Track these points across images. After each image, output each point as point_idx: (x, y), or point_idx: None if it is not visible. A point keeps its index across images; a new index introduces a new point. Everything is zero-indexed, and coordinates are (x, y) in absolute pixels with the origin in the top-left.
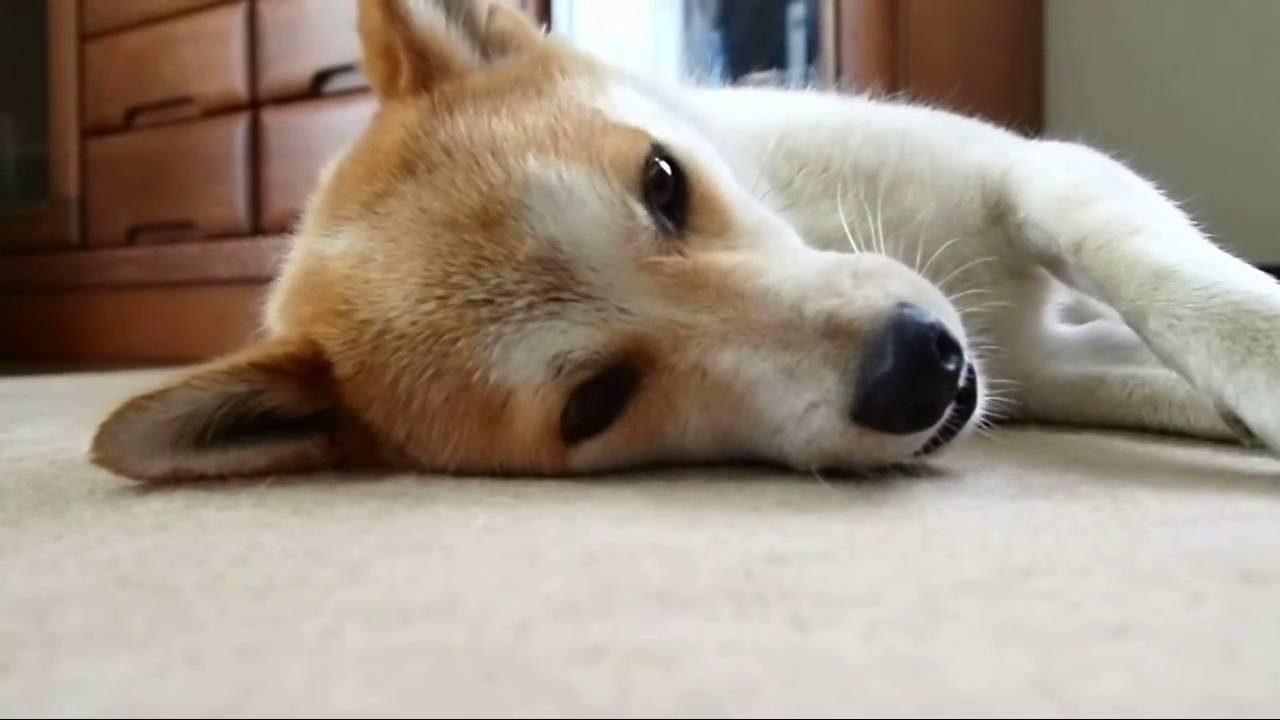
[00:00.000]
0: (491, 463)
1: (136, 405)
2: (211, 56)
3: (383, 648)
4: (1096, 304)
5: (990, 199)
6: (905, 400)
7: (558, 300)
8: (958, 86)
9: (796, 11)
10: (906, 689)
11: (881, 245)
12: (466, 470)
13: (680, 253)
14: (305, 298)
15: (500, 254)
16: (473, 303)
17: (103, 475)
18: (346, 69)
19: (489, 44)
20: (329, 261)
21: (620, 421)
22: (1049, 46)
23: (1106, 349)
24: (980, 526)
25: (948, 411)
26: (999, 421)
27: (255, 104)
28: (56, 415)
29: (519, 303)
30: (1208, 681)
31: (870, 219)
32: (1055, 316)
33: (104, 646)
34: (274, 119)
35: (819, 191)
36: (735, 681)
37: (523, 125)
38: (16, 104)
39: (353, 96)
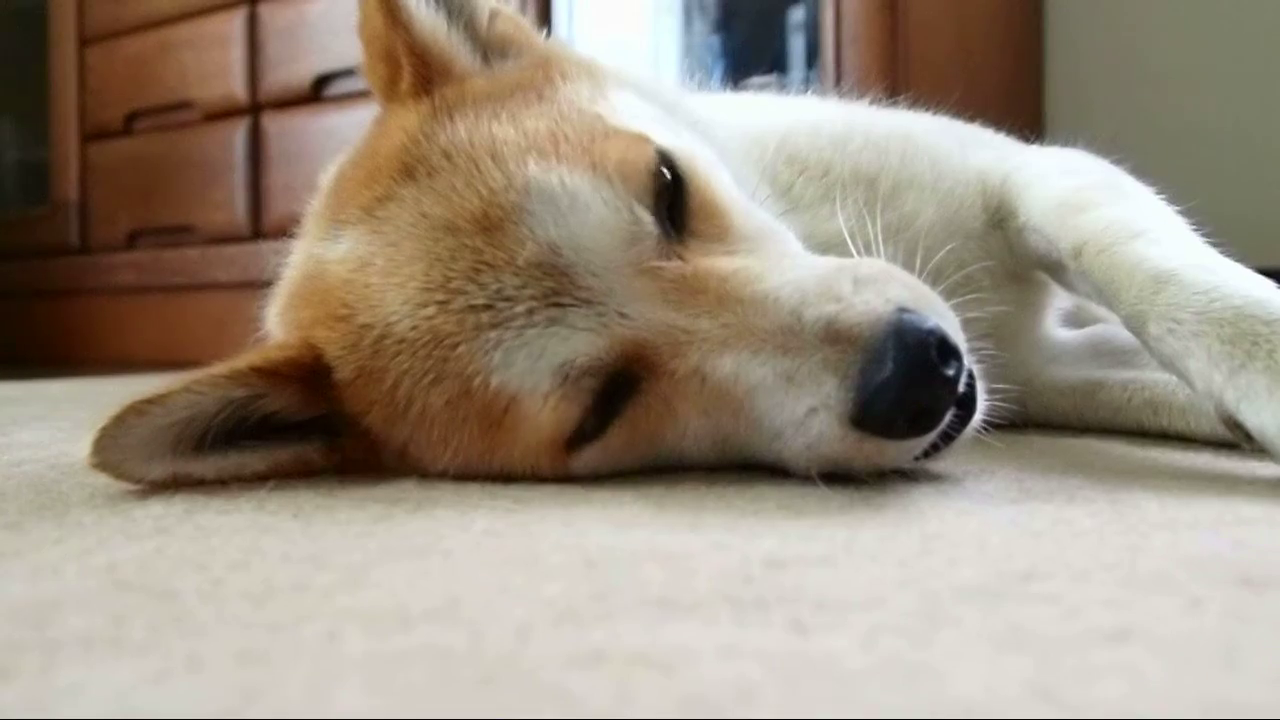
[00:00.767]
0: (491, 467)
1: (137, 409)
2: (211, 61)
3: (383, 653)
4: (1096, 308)
5: (991, 204)
6: (905, 406)
7: (558, 305)
8: (958, 91)
9: (796, 16)
10: (906, 694)
11: (881, 250)
12: (466, 474)
13: (680, 258)
14: (305, 302)
15: (500, 259)
16: (473, 308)
17: (102, 479)
18: (346, 73)
19: (490, 48)
20: (329, 266)
21: (620, 426)
22: (1049, 51)
23: (1107, 353)
24: (980, 531)
25: (947, 417)
26: (999, 426)
27: (255, 108)
28: (56, 419)
29: (519, 308)
30: (1207, 687)
31: (870, 224)
32: (1056, 321)
33: (104, 652)
34: (274, 123)
35: (819, 196)
36: (735, 687)
37: (523, 130)
38: (16, 108)
39: (353, 101)
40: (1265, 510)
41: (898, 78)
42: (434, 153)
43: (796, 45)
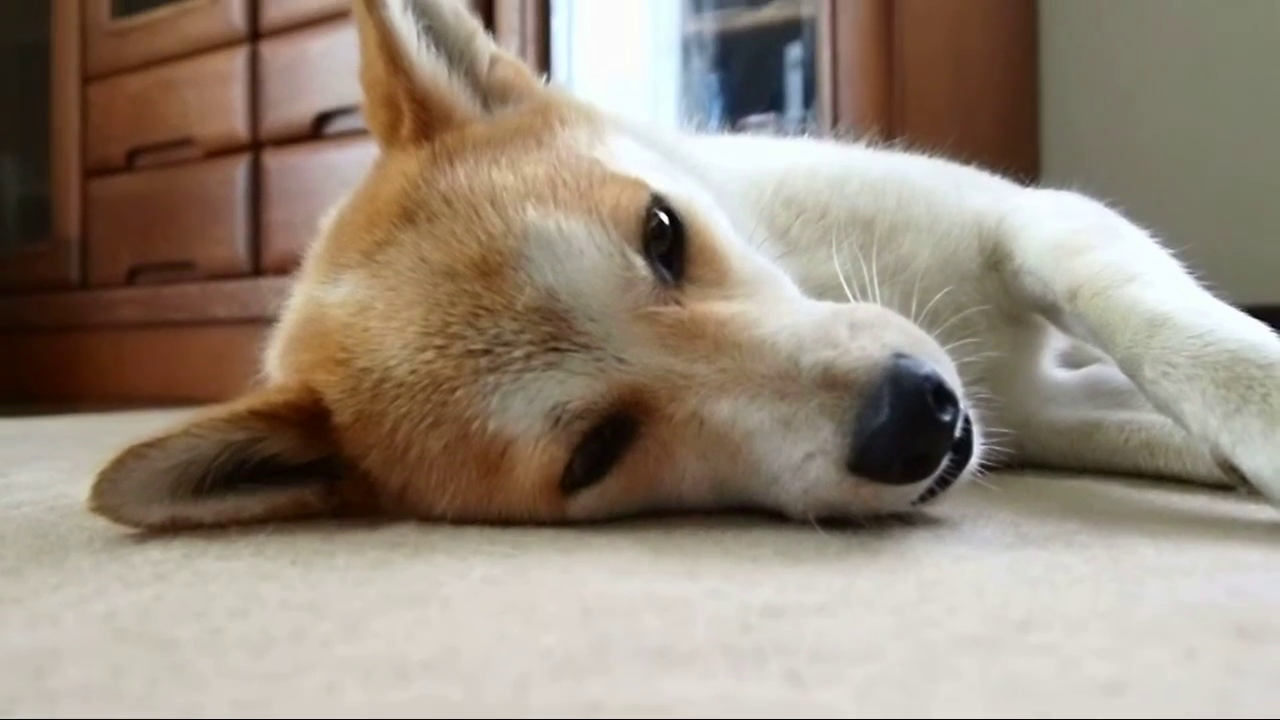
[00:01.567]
0: (489, 511)
1: (136, 453)
2: (213, 98)
3: (381, 704)
4: (1093, 348)
5: (987, 246)
6: (901, 451)
7: (556, 350)
8: (954, 131)
9: (794, 54)
10: None
11: (877, 292)
12: (464, 518)
13: (678, 303)
14: (305, 345)
15: (499, 304)
16: (471, 352)
17: (101, 522)
18: (347, 111)
19: (490, 93)
20: (329, 309)
21: (618, 470)
22: (1044, 93)
23: (1103, 394)
24: (977, 578)
25: (944, 462)
26: (996, 467)
27: (256, 145)
28: (55, 458)
29: (517, 353)
30: None
31: (867, 266)
32: (1052, 361)
33: (103, 704)
34: (275, 160)
35: (816, 239)
36: None
37: (522, 175)
38: (19, 144)
39: (353, 138)
40: (1262, 556)
41: (894, 117)
42: (434, 198)
43: (794, 83)
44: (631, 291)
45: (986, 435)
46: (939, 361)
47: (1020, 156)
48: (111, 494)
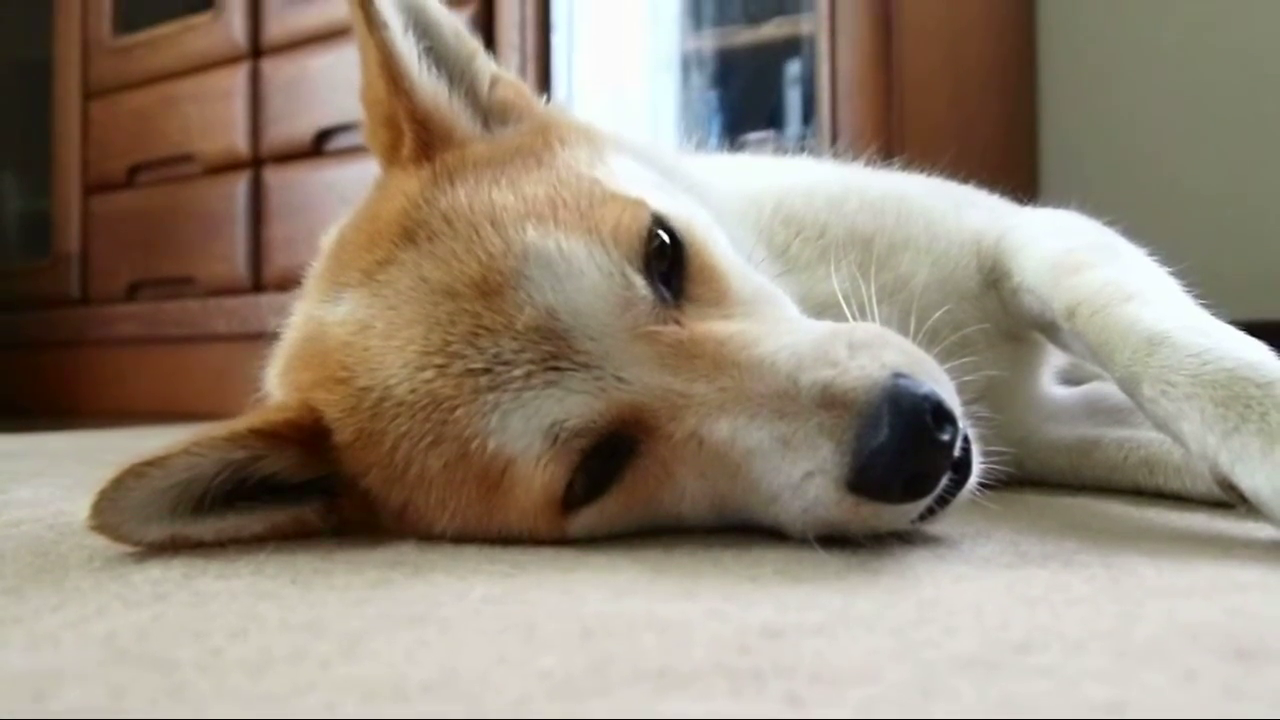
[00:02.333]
0: (489, 529)
1: (136, 472)
2: (214, 115)
3: None
4: (1091, 366)
5: (985, 264)
6: (900, 471)
7: (556, 369)
8: (952, 147)
9: (793, 70)
10: None
11: (876, 311)
12: (464, 537)
13: (677, 322)
14: (305, 364)
15: (499, 323)
16: (471, 371)
17: (101, 541)
18: (347, 128)
19: (490, 114)
20: (329, 328)
21: (617, 489)
22: (1042, 110)
23: (1102, 411)
24: (976, 598)
25: (943, 481)
26: (996, 484)
27: (257, 162)
28: (55, 475)
29: (517, 371)
30: None
31: (866, 285)
32: (1051, 379)
33: None
34: (275, 177)
35: (815, 257)
36: None
37: (522, 195)
38: (20, 160)
39: (353, 155)
40: (1259, 575)
41: (893, 133)
42: (434, 217)
43: (793, 100)
44: (631, 311)
45: (985, 454)
46: (938, 381)
47: (1018, 174)
48: (111, 513)
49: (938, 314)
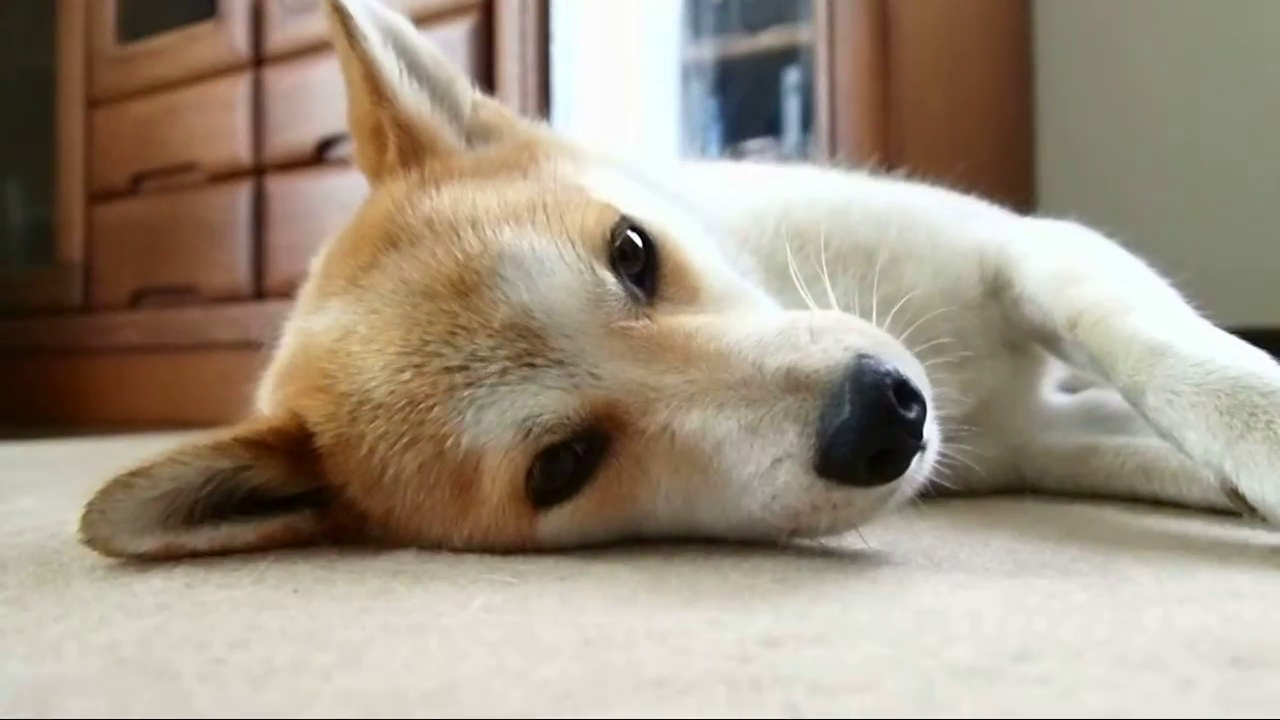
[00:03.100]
0: (461, 531)
1: (122, 483)
2: (217, 124)
3: None
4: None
5: (987, 275)
6: (865, 448)
7: (531, 366)
8: (950, 153)
9: (792, 78)
10: None
11: (877, 321)
12: (442, 542)
13: (649, 318)
14: (292, 376)
15: (476, 322)
16: (448, 369)
17: None
18: (348, 137)
19: (473, 134)
20: (315, 337)
21: (590, 489)
22: (1040, 121)
23: (1100, 419)
24: (974, 606)
25: (913, 462)
26: (997, 491)
27: (259, 170)
28: (57, 484)
29: (493, 368)
30: None
31: (868, 295)
32: (1052, 388)
33: None
34: (277, 185)
35: (817, 268)
36: None
37: (504, 200)
38: (23, 168)
39: (354, 164)
40: (1255, 582)
41: (890, 141)
42: (417, 221)
43: (792, 108)
44: (603, 307)
45: (985, 461)
46: (903, 361)
47: (1016, 184)
48: (101, 525)
49: (940, 324)
